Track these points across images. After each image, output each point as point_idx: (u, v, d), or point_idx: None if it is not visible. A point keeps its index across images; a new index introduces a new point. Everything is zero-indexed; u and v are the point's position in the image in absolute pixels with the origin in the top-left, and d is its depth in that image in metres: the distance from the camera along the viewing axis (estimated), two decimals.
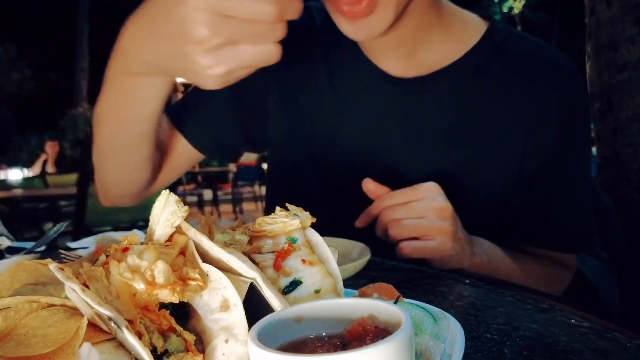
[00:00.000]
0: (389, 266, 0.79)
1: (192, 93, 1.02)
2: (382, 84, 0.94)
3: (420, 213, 0.76)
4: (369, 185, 0.82)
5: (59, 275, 0.36)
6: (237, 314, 0.37)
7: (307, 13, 1.03)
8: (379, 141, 0.95)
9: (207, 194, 8.86)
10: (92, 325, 0.36)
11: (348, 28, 0.80)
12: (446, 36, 0.93)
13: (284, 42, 1.01)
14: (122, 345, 0.35)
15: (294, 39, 1.05)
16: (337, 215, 0.88)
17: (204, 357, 0.37)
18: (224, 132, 1.02)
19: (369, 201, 0.83)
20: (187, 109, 1.01)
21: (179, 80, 0.73)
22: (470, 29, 0.95)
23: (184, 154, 1.00)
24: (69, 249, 0.79)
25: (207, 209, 8.31)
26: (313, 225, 0.48)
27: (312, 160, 1.01)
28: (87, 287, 0.36)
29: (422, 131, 0.93)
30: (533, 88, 0.90)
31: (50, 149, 7.93)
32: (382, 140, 0.95)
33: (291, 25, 1.10)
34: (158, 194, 0.43)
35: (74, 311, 0.38)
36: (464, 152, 0.91)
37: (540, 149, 0.90)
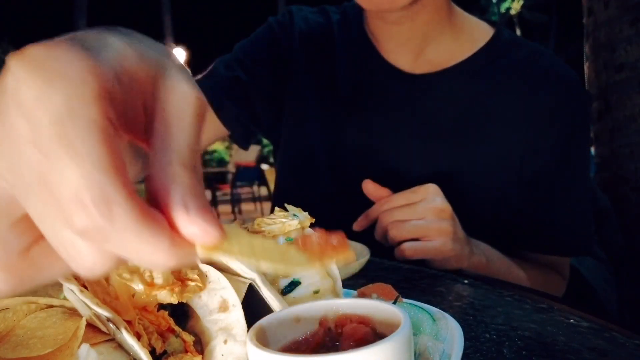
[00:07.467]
0: (387, 266, 0.79)
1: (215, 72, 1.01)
2: (394, 78, 0.97)
3: (419, 214, 0.77)
4: (369, 187, 0.82)
5: None
6: (236, 315, 0.37)
7: (325, 15, 1.07)
8: (385, 137, 0.96)
9: (206, 195, 8.81)
10: (90, 326, 0.36)
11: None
12: (454, 37, 0.96)
13: (302, 40, 1.00)
14: (120, 346, 0.35)
15: (312, 37, 1.08)
16: (341, 214, 0.88)
17: (202, 357, 0.37)
18: (240, 111, 1.01)
19: (368, 201, 0.83)
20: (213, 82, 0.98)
21: None
22: (477, 33, 0.97)
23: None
24: None
25: None
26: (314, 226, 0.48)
27: (319, 158, 1.02)
28: (86, 288, 0.36)
29: (426, 128, 0.94)
30: (535, 93, 0.91)
31: None
32: (388, 137, 0.96)
33: (310, 25, 1.12)
34: None
35: (73, 312, 0.38)
36: (465, 151, 0.92)
37: (540, 153, 0.91)
